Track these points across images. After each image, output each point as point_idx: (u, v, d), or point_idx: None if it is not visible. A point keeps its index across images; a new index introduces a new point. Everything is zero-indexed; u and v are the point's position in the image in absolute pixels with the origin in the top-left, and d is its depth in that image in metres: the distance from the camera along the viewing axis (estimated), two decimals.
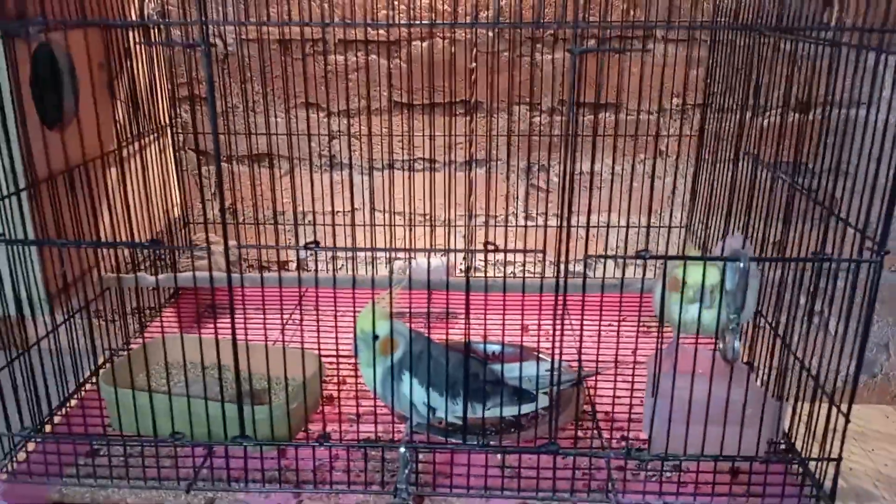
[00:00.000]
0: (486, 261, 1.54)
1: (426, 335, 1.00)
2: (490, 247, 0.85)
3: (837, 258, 0.85)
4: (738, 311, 0.85)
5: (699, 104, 1.53)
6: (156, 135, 1.43)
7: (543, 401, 1.05)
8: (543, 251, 0.87)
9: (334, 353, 1.14)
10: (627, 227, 1.55)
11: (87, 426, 1.05)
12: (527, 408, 1.02)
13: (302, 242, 0.85)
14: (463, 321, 1.45)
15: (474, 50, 1.54)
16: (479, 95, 1.57)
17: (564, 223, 0.83)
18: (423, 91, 1.57)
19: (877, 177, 0.83)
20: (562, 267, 0.85)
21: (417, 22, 1.40)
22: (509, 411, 1.02)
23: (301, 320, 1.41)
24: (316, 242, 0.84)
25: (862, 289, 0.87)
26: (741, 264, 0.82)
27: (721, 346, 0.88)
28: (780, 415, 0.93)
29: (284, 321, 1.40)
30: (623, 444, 1.05)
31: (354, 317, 0.97)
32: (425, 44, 1.55)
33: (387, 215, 1.63)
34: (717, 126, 1.40)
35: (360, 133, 1.60)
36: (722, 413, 0.89)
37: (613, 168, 1.56)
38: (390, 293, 0.95)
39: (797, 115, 0.90)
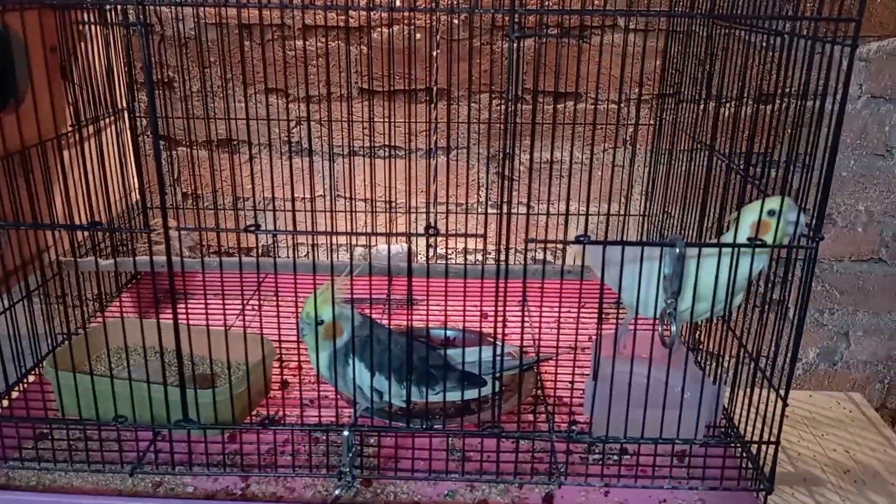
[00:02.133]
0: (430, 246, 1.54)
1: (371, 318, 1.00)
2: (431, 231, 0.85)
3: (772, 244, 0.86)
4: (675, 296, 0.86)
5: (657, 94, 1.54)
6: (112, 119, 1.42)
7: (491, 385, 1.05)
8: (484, 236, 0.87)
9: (293, 338, 1.14)
10: (587, 214, 1.56)
11: (34, 410, 1.05)
12: (472, 392, 1.03)
13: (260, 226, 0.85)
14: (422, 308, 1.45)
15: (437, 36, 1.54)
16: (442, 83, 1.57)
17: (505, 209, 0.84)
18: (384, 78, 1.57)
19: (812, 166, 0.84)
20: (503, 253, 0.85)
21: (377, 7, 1.39)
22: (454, 396, 1.02)
23: (261, 305, 1.41)
24: (256, 225, 0.84)
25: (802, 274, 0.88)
26: (677, 249, 0.83)
27: (659, 330, 0.89)
28: (719, 398, 0.94)
29: (245, 306, 1.40)
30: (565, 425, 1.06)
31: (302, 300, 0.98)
32: (387, 30, 1.55)
33: (348, 202, 1.63)
34: (674, 116, 1.42)
35: (321, 119, 1.60)
36: (662, 396, 0.90)
37: (572, 156, 1.57)
38: (331, 279, 0.95)
39: (754, 106, 0.91)
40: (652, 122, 1.56)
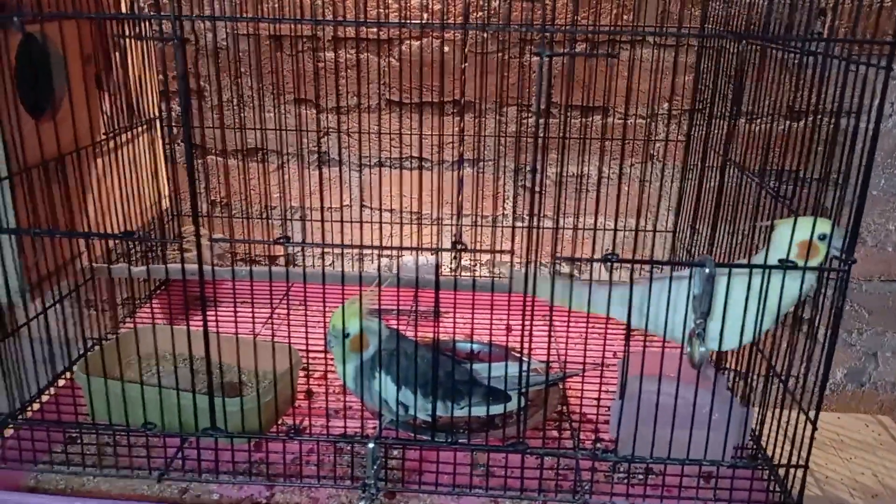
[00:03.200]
0: (458, 260, 1.55)
1: (398, 332, 1.01)
2: (459, 246, 0.85)
3: (804, 266, 0.86)
4: (704, 317, 0.85)
5: (687, 110, 1.53)
6: (145, 127, 1.44)
7: (516, 401, 1.05)
8: (511, 252, 0.88)
9: (320, 347, 1.15)
10: (615, 230, 1.55)
11: (64, 414, 1.06)
12: (497, 408, 1.03)
13: (292, 238, 0.86)
14: (447, 320, 1.46)
15: (465, 50, 1.54)
16: (470, 96, 1.57)
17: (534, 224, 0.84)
18: (412, 90, 1.58)
19: (845, 185, 0.83)
20: (531, 268, 0.86)
21: (403, 22, 1.40)
22: (480, 411, 1.02)
23: (289, 314, 1.42)
24: (287, 237, 0.85)
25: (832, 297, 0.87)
26: (706, 269, 0.83)
27: (688, 350, 0.89)
28: (747, 420, 0.94)
29: (270, 315, 1.41)
30: (593, 445, 1.06)
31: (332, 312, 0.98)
32: (417, 43, 1.56)
33: (375, 212, 1.64)
34: (704, 132, 1.41)
35: (349, 130, 1.61)
36: (689, 417, 0.90)
37: (600, 172, 1.56)
38: (360, 292, 0.96)
39: (787, 124, 0.90)
40: (681, 137, 1.55)
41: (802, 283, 0.90)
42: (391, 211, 1.65)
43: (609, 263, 0.84)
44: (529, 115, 1.58)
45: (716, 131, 1.33)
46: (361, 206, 1.66)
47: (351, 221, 1.64)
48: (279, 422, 1.10)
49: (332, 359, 1.05)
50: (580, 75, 1.55)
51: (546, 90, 0.76)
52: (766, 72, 1.05)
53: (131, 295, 1.42)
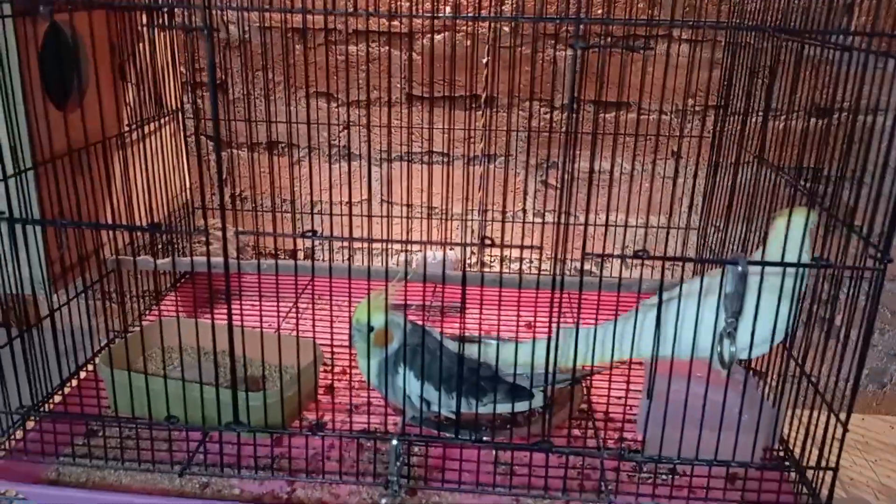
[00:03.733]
0: (480, 255, 1.54)
1: (423, 327, 1.00)
2: (487, 241, 0.84)
3: (839, 265, 0.84)
4: (736, 316, 0.84)
5: (713, 106, 1.51)
6: (167, 119, 1.44)
7: (540, 398, 1.04)
8: (541, 248, 0.86)
9: (341, 342, 1.14)
10: (647, 227, 1.54)
11: (86, 407, 1.06)
12: (522, 405, 1.01)
13: (316, 231, 0.85)
14: (474, 315, 1.45)
15: (487, 45, 1.53)
16: (494, 90, 1.56)
17: (563, 220, 0.83)
18: (432, 84, 1.57)
19: (882, 184, 0.82)
20: (560, 264, 0.84)
21: (421, 14, 1.39)
22: (504, 408, 1.01)
23: (310, 308, 1.42)
24: (314, 231, 0.84)
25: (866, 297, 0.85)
26: (739, 268, 0.81)
27: (717, 350, 0.87)
28: (778, 422, 0.92)
29: (290, 309, 1.40)
30: (618, 444, 1.05)
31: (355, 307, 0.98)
32: (439, 36, 1.55)
33: (395, 207, 1.63)
34: (733, 128, 1.39)
35: (379, 124, 1.60)
36: (718, 417, 0.88)
37: (631, 167, 1.55)
38: (386, 286, 0.95)
39: (812, 121, 0.89)
40: (708, 134, 1.53)
41: (805, 278, 0.89)
42: (411, 206, 1.64)
43: (640, 260, 0.83)
44: (549, 110, 1.57)
45: (750, 128, 1.32)
46: (382, 200, 1.65)
47: (369, 216, 1.62)
48: (301, 417, 1.09)
49: (355, 354, 1.04)
50: (607, 72, 1.54)
51: (578, 83, 0.74)
52: (803, 68, 1.04)
53: (155, 286, 1.42)
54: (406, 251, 1.65)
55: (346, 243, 1.70)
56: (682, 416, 0.88)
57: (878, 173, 0.81)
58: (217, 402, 0.96)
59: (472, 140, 1.59)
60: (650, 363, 0.90)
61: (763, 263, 0.85)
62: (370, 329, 0.96)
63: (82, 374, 1.17)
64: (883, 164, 0.80)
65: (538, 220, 1.63)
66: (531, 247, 0.83)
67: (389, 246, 1.66)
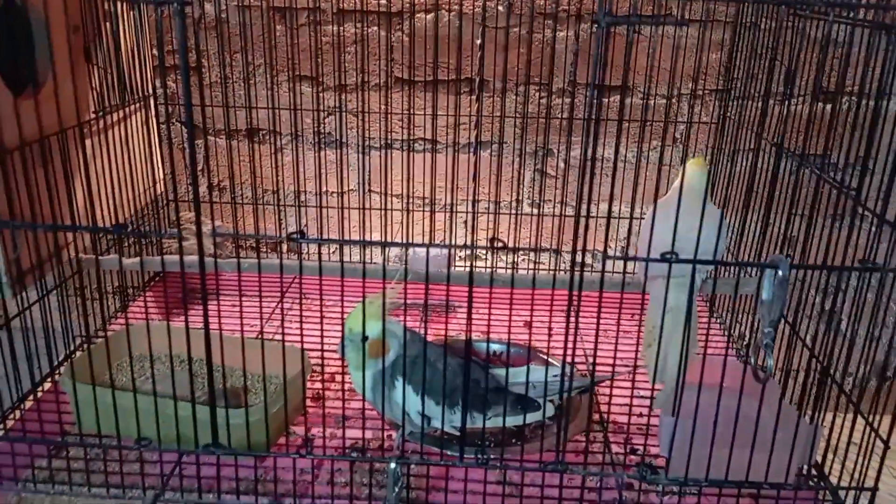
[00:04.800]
0: (491, 257, 1.45)
1: (423, 336, 0.91)
2: (498, 244, 0.75)
3: (888, 267, 0.76)
4: (774, 325, 0.75)
5: (718, 90, 1.43)
6: (139, 105, 1.33)
7: (549, 410, 0.96)
8: (559, 250, 0.77)
9: (331, 344, 1.04)
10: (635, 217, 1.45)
11: (48, 424, 0.96)
12: (532, 417, 0.93)
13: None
14: (463, 316, 1.36)
15: (482, 25, 1.44)
16: (486, 74, 1.47)
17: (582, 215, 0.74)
18: (436, 68, 1.47)
19: None
20: (578, 261, 0.76)
21: None
22: (512, 421, 0.93)
23: (296, 308, 1.32)
24: (302, 232, 0.75)
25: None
26: (779, 272, 0.73)
27: (751, 362, 0.79)
28: (815, 440, 0.84)
29: (274, 309, 1.31)
30: (634, 459, 0.97)
31: (346, 309, 0.88)
32: (429, 16, 1.45)
33: (383, 198, 1.54)
34: (738, 113, 1.31)
35: (364, 110, 1.50)
36: (747, 434, 0.80)
37: (638, 153, 1.46)
38: (383, 291, 0.86)
39: (822, 105, 0.81)
40: (713, 120, 1.45)
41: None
42: (411, 197, 1.55)
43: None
44: (545, 94, 1.48)
45: (749, 113, 1.24)
46: (369, 190, 1.55)
47: (365, 208, 1.53)
48: (288, 431, 1.00)
49: (332, 356, 0.94)
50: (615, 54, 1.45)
51: (602, 63, 0.65)
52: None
53: (122, 286, 1.31)
54: (407, 246, 1.55)
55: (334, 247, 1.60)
56: (712, 434, 0.80)
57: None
58: (194, 419, 0.86)
59: (459, 125, 1.50)
60: (676, 377, 0.81)
61: (800, 267, 0.76)
62: (364, 338, 0.87)
63: (45, 386, 1.07)
64: None
65: (538, 212, 1.54)
66: (549, 249, 0.74)
67: (379, 236, 1.57)
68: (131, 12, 1.27)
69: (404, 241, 1.56)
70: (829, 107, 0.84)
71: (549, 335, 1.14)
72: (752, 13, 1.29)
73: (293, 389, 0.98)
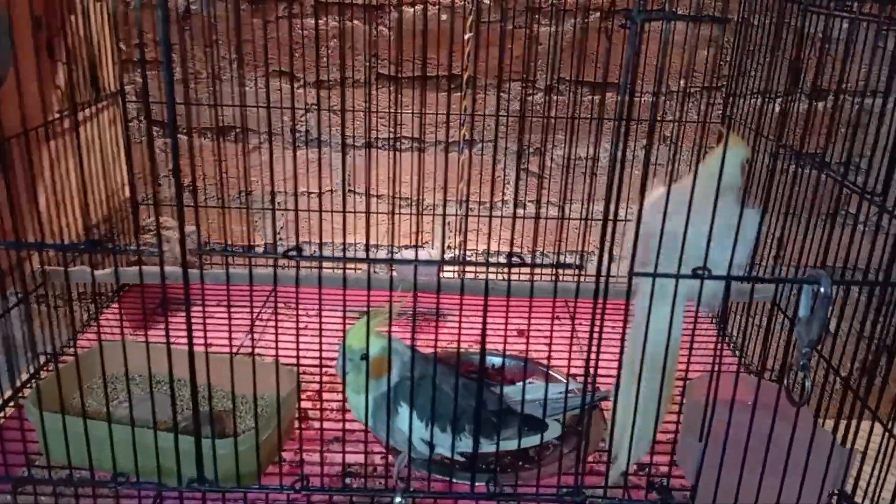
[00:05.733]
0: (509, 276, 1.38)
1: (428, 355, 0.84)
2: (515, 259, 0.68)
3: None
4: (812, 345, 0.70)
5: (714, 87, 1.38)
6: (108, 103, 1.24)
7: (556, 430, 0.90)
8: (581, 266, 0.71)
9: (314, 360, 0.97)
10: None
11: (12, 455, 0.87)
12: (544, 438, 0.87)
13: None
14: (452, 325, 1.29)
15: (471, 18, 1.37)
16: (477, 70, 1.40)
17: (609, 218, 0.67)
18: (424, 64, 1.40)
19: None
20: (603, 267, 0.69)
21: None
22: (526, 444, 0.86)
23: (284, 319, 1.24)
24: (299, 249, 0.67)
25: None
26: (821, 288, 0.67)
27: (786, 383, 0.74)
28: (849, 464, 0.79)
29: (259, 317, 1.23)
30: (652, 481, 0.91)
31: (327, 322, 0.81)
32: (414, 9, 1.38)
33: (366, 199, 1.46)
34: (739, 112, 1.27)
35: (334, 107, 1.43)
36: (777, 459, 0.75)
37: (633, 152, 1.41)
38: (390, 302, 0.78)
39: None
40: (711, 120, 1.41)
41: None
42: (399, 198, 1.48)
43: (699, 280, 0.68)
44: (534, 91, 1.42)
45: (756, 112, 1.19)
46: (350, 190, 1.48)
47: (367, 211, 1.46)
48: (279, 457, 0.92)
49: (325, 371, 0.87)
50: (592, 49, 1.40)
51: (633, 64, 0.59)
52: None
53: (93, 299, 1.22)
54: (389, 253, 1.48)
55: (324, 245, 1.53)
56: (743, 459, 0.74)
57: None
58: (176, 450, 0.78)
59: (445, 123, 1.43)
60: (706, 396, 0.75)
61: (844, 283, 0.71)
62: (365, 356, 0.80)
63: (7, 411, 0.98)
64: None
65: (526, 212, 1.49)
66: (570, 265, 0.67)
67: (378, 251, 1.50)
68: (98, 4, 1.17)
69: (390, 244, 1.49)
70: (856, 106, 0.79)
71: (550, 346, 1.08)
72: (745, 9, 1.25)
73: (285, 411, 0.90)
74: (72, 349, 1.14)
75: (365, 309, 0.79)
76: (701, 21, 0.85)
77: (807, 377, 0.71)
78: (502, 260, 0.71)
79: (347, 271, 1.30)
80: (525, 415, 0.86)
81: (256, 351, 1.13)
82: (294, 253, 0.67)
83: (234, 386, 0.78)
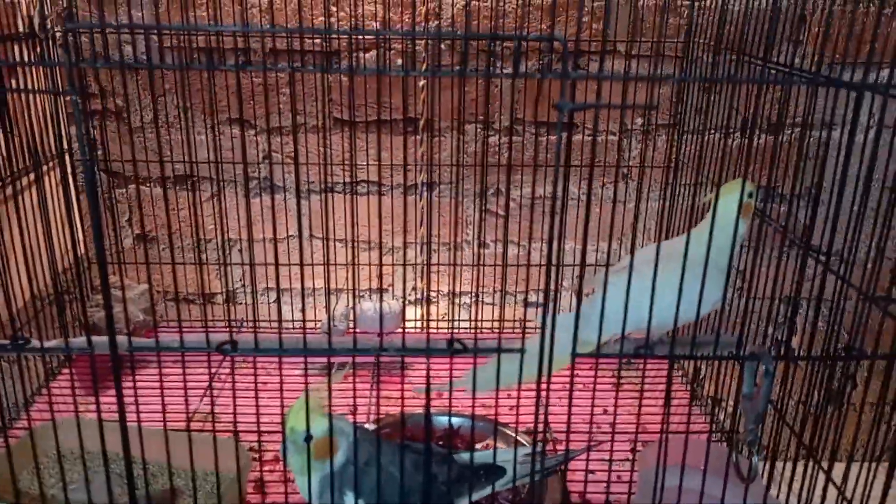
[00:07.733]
0: (450, 311, 1.38)
1: (375, 436, 0.82)
2: (457, 346, 0.67)
3: (876, 354, 0.70)
4: (758, 420, 0.69)
5: (665, 125, 1.39)
6: (53, 164, 1.21)
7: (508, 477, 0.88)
8: (523, 350, 0.69)
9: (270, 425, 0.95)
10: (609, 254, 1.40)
11: None
12: (500, 486, 0.85)
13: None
14: (416, 375, 1.28)
15: (424, 63, 1.36)
16: (427, 113, 1.39)
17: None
18: (379, 107, 1.39)
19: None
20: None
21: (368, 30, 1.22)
22: (479, 496, 0.84)
23: (231, 386, 1.22)
24: (234, 343, 0.66)
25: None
26: (763, 366, 0.67)
27: (734, 459, 0.73)
28: None
29: (205, 393, 1.21)
30: None
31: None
32: (368, 55, 1.37)
33: (324, 248, 1.45)
34: (690, 150, 1.28)
35: (301, 154, 1.40)
36: None
37: (589, 192, 1.41)
38: (329, 379, 0.77)
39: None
40: (663, 162, 1.41)
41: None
42: (344, 242, 1.47)
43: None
44: (491, 133, 1.42)
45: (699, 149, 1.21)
46: (308, 236, 1.47)
47: (329, 262, 1.44)
48: None
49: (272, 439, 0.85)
50: (546, 89, 1.39)
51: (567, 151, 0.58)
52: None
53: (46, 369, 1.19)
54: (347, 305, 1.47)
55: (273, 295, 1.51)
56: None
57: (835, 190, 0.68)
58: None
59: (402, 167, 1.42)
60: (656, 460, 0.74)
61: (792, 359, 0.71)
62: (308, 438, 0.78)
63: None
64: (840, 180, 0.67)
65: (471, 252, 1.48)
66: (511, 349, 0.66)
67: (339, 297, 1.48)
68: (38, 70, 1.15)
69: (350, 289, 1.48)
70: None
71: (518, 405, 1.07)
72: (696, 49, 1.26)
73: (231, 492, 0.88)
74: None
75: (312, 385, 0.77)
76: (630, 108, 0.85)
77: (754, 453, 0.71)
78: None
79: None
80: (483, 464, 0.84)
81: (207, 420, 1.10)
82: (228, 347, 0.65)
83: (170, 466, 0.76)
